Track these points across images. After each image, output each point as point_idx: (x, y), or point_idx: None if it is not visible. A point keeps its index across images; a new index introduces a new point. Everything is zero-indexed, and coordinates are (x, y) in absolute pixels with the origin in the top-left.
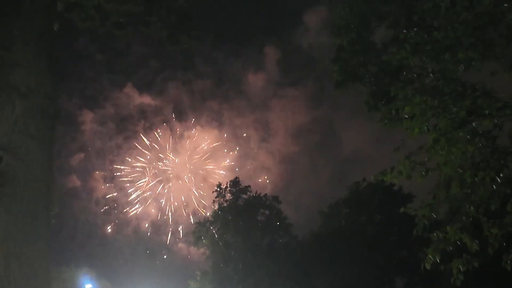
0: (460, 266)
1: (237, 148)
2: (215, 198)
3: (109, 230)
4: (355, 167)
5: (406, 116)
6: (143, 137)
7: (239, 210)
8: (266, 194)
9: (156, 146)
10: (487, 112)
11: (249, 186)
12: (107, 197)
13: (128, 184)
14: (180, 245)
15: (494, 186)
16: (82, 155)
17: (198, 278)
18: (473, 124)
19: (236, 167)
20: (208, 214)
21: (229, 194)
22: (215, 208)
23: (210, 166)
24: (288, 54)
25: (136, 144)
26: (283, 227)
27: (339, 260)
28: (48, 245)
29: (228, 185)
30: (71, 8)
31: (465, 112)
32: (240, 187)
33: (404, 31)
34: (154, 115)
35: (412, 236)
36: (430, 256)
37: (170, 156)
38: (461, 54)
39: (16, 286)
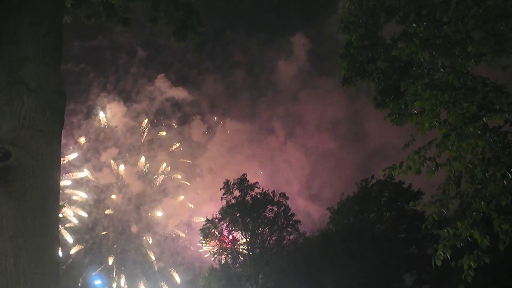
0: (471, 262)
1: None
2: (223, 195)
3: (138, 228)
4: (382, 161)
5: (416, 111)
6: (175, 132)
7: (247, 207)
8: (273, 190)
9: (188, 140)
10: (498, 107)
11: (257, 182)
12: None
13: (160, 180)
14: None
15: (505, 182)
16: (115, 150)
17: (207, 274)
18: (484, 119)
19: (263, 161)
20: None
21: (237, 191)
22: (223, 205)
23: (238, 161)
24: (320, 44)
25: (167, 138)
26: (291, 223)
27: (348, 256)
28: (58, 240)
29: (236, 182)
30: (79, 3)
31: (476, 107)
32: (248, 184)
33: (414, 25)
34: (187, 108)
35: (421, 233)
36: (441, 252)
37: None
38: (471, 48)
39: (25, 280)
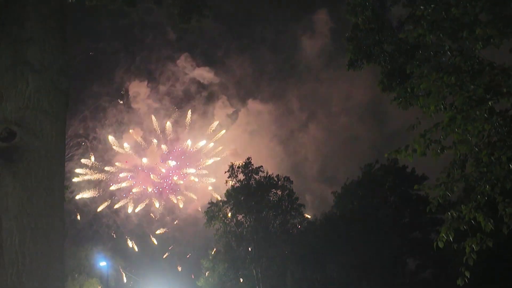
0: (473, 245)
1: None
2: (228, 178)
3: (160, 211)
4: (402, 144)
5: (422, 94)
6: (199, 111)
7: (251, 190)
8: (278, 174)
9: (212, 121)
10: (505, 90)
11: (261, 166)
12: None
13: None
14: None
15: (510, 166)
16: (138, 132)
17: (210, 257)
18: (490, 102)
19: (284, 142)
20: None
21: (241, 175)
22: (228, 188)
23: (259, 142)
24: (345, 22)
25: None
26: (295, 207)
27: (351, 241)
28: (63, 220)
29: (241, 166)
30: None
31: (483, 90)
32: (252, 167)
33: (421, 7)
34: (212, 89)
35: (425, 218)
36: (443, 235)
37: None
38: (479, 30)
39: (30, 260)
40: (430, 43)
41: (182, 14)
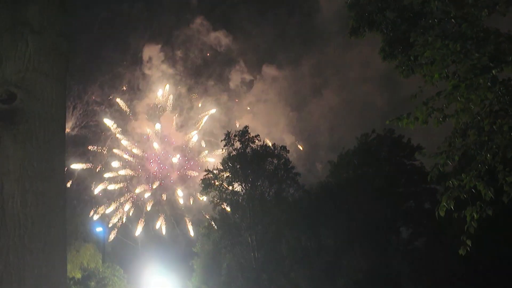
0: (474, 213)
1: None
2: (224, 146)
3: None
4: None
5: (425, 63)
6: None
7: (248, 159)
8: (274, 143)
9: (227, 88)
10: (510, 58)
11: (258, 135)
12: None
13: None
14: None
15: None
16: (151, 100)
17: (206, 224)
18: (494, 71)
19: (296, 109)
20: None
21: (238, 143)
22: (224, 156)
23: (272, 110)
24: None
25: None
26: (290, 176)
27: (346, 209)
28: (65, 184)
29: (237, 134)
30: None
31: (487, 58)
32: (249, 136)
33: None
34: (228, 54)
35: (420, 188)
36: (444, 204)
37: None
38: None
39: (33, 223)
40: (436, 9)
41: None
